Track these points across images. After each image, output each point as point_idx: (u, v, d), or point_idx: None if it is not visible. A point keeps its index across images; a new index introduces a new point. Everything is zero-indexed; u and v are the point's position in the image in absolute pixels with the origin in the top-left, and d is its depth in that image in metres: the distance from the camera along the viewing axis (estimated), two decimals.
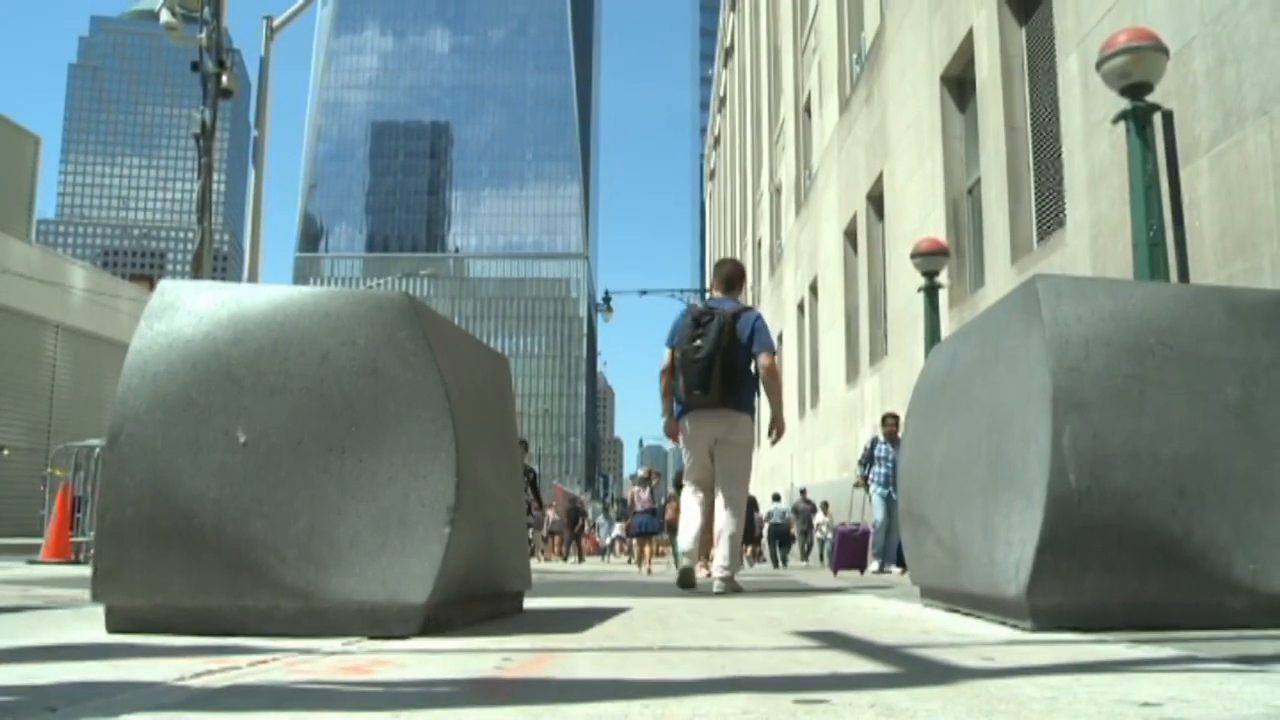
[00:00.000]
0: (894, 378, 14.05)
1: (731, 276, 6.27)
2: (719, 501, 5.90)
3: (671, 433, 6.17)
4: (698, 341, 5.73)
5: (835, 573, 11.59)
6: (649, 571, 14.52)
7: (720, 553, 5.79)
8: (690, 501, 6.04)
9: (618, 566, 19.07)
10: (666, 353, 6.05)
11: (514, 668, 2.13)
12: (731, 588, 5.62)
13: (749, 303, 8.27)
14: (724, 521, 5.82)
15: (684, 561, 6.05)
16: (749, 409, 5.93)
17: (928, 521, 3.98)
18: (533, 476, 14.17)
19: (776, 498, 22.02)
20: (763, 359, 5.85)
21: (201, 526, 2.80)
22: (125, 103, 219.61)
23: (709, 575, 5.99)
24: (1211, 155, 6.01)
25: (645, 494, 16.13)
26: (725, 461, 5.91)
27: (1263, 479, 2.98)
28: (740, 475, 5.99)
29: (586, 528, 30.39)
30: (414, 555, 2.77)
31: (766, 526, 20.90)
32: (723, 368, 5.69)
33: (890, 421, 10.85)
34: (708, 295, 6.44)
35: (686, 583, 5.88)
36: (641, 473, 17.22)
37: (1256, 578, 2.91)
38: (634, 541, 18.57)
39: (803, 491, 20.48)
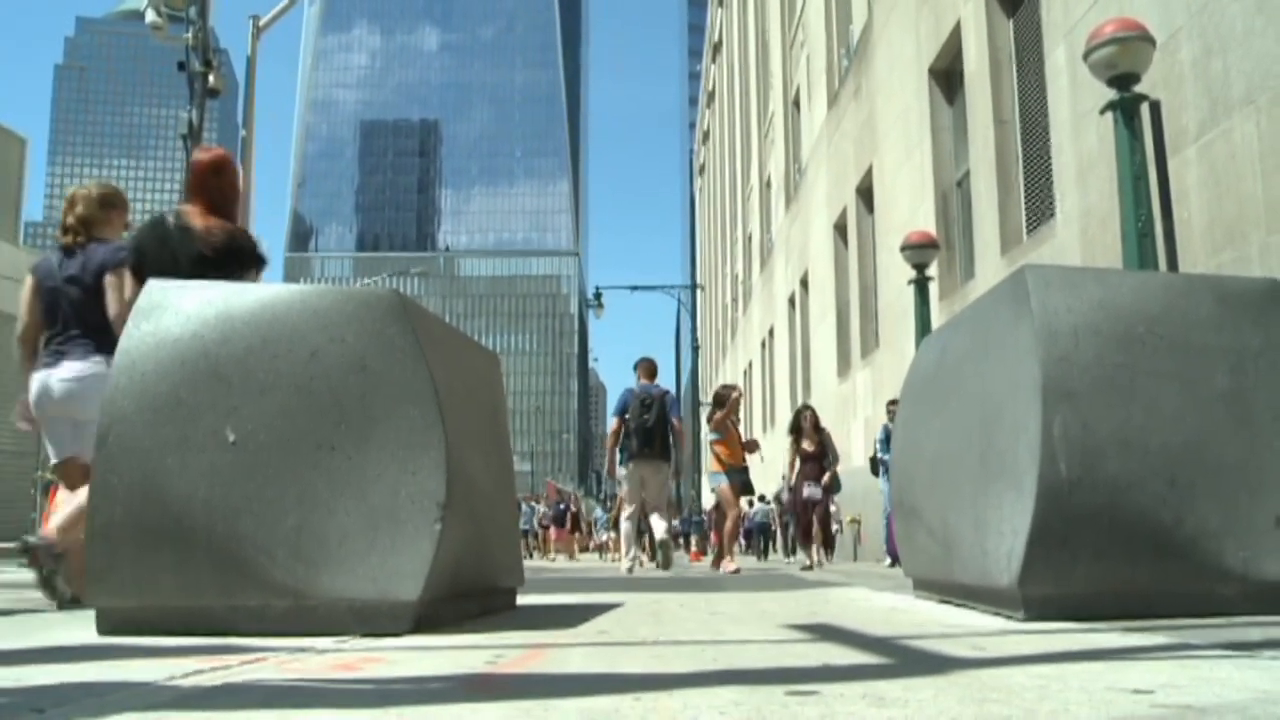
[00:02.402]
0: (885, 370, 14.07)
1: (652, 369, 9.47)
2: (653, 515, 9.56)
3: (611, 473, 9.51)
4: (646, 416, 8.88)
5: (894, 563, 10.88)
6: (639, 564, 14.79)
7: (660, 532, 9.46)
8: (630, 529, 9.39)
9: (612, 564, 19.09)
10: (614, 421, 9.12)
11: (506, 663, 2.13)
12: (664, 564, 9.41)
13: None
14: (658, 523, 9.49)
15: (628, 565, 9.25)
16: (670, 458, 9.17)
17: (919, 513, 3.99)
18: None
19: (763, 498, 22.00)
20: (676, 425, 9.15)
21: (191, 526, 2.79)
22: (112, 104, 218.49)
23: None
24: (1199, 145, 6.02)
25: None
26: (653, 488, 9.25)
27: (1252, 467, 2.99)
28: (662, 495, 9.43)
29: (582, 525, 30.30)
30: (405, 552, 2.76)
31: (753, 525, 21.11)
32: (660, 434, 8.97)
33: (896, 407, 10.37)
34: (638, 382, 9.37)
35: (631, 570, 9.01)
36: None
37: (1247, 565, 2.92)
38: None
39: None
